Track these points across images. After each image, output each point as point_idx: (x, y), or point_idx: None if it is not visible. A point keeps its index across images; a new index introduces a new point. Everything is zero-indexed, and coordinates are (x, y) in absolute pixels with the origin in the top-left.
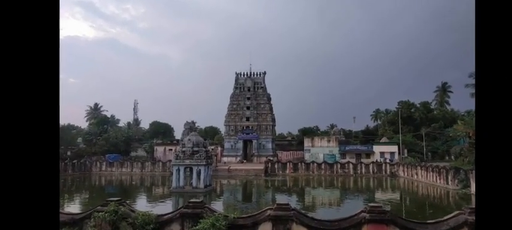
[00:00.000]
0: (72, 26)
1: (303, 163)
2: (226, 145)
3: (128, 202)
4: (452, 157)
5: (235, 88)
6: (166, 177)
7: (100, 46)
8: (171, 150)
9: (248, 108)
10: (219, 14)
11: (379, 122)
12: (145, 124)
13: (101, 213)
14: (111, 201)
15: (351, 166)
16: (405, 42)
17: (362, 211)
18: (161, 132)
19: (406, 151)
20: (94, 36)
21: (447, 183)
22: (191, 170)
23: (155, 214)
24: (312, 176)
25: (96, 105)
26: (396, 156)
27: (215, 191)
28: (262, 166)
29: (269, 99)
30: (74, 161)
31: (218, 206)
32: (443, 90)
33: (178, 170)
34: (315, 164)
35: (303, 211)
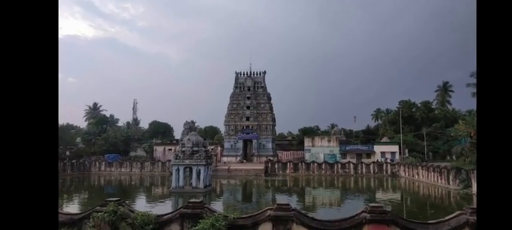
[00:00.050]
0: (71, 25)
1: (303, 163)
2: (226, 145)
3: (127, 202)
4: (454, 157)
5: (235, 87)
6: (166, 177)
7: (99, 45)
8: (171, 149)
9: (248, 107)
10: (219, 13)
11: (380, 122)
12: (144, 124)
13: (100, 213)
14: (110, 201)
15: (351, 166)
16: (406, 42)
17: (363, 211)
18: (161, 131)
19: (407, 151)
20: (93, 35)
21: (448, 183)
22: (191, 170)
23: (155, 214)
24: (312, 176)
25: (95, 104)
26: (397, 156)
27: (215, 191)
28: (262, 166)
29: (269, 98)
30: (72, 161)
31: (218, 206)
32: (445, 89)
33: (178, 170)
34: (316, 164)
35: (304, 211)
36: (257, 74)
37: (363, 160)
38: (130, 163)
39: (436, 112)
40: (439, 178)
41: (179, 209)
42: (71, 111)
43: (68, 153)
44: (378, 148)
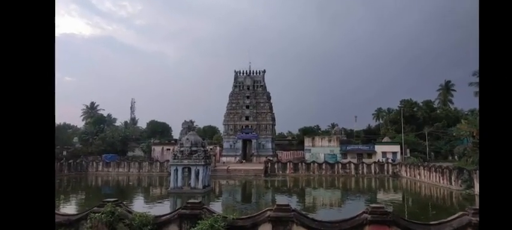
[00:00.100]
0: (68, 23)
1: (303, 163)
2: (225, 144)
3: (125, 203)
4: (456, 157)
5: (235, 86)
6: (164, 177)
7: (96, 44)
8: (169, 149)
9: (247, 107)
10: (218, 11)
11: (381, 121)
12: (142, 124)
13: (97, 214)
14: (108, 202)
15: (352, 166)
16: (407, 40)
17: (364, 212)
18: (159, 131)
19: (408, 151)
20: (90, 34)
21: (450, 184)
22: (189, 170)
23: (153, 215)
24: (312, 176)
25: (92, 104)
26: (398, 156)
27: (214, 191)
28: (261, 166)
29: (269, 97)
30: (69, 161)
31: (217, 207)
32: (447, 88)
33: (176, 170)
34: (316, 164)
35: (304, 212)
36: (256, 73)
37: (363, 160)
38: (128, 163)
39: (438, 111)
40: (441, 178)
41: (178, 210)
42: (68, 111)
43: (65, 153)
44: (379, 148)
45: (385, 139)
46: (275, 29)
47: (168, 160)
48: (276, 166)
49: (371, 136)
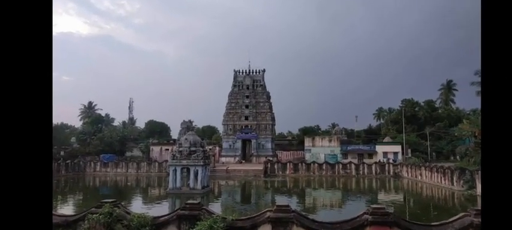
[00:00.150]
0: (65, 22)
1: (303, 164)
2: (225, 144)
3: (123, 203)
4: (458, 157)
5: (234, 86)
6: (163, 178)
7: (94, 43)
8: (168, 149)
9: (247, 106)
10: (216, 10)
11: (382, 121)
12: (140, 123)
13: (95, 215)
14: (106, 203)
15: (353, 166)
16: (408, 39)
17: (364, 213)
18: (157, 131)
19: (409, 151)
20: (88, 33)
21: (452, 184)
22: (188, 170)
23: (151, 216)
24: (312, 177)
25: (90, 103)
26: (400, 156)
27: (213, 192)
28: (261, 167)
29: (268, 97)
30: (67, 161)
31: (216, 208)
32: (448, 88)
33: (175, 170)
34: (316, 164)
35: (304, 213)
36: (256, 72)
37: (364, 160)
38: (126, 163)
39: (439, 111)
40: (442, 178)
41: (176, 210)
42: (65, 110)
43: (62, 153)
44: (380, 148)
45: (386, 139)
46: (275, 28)
47: (166, 161)
48: (275, 166)
49: (372, 136)
